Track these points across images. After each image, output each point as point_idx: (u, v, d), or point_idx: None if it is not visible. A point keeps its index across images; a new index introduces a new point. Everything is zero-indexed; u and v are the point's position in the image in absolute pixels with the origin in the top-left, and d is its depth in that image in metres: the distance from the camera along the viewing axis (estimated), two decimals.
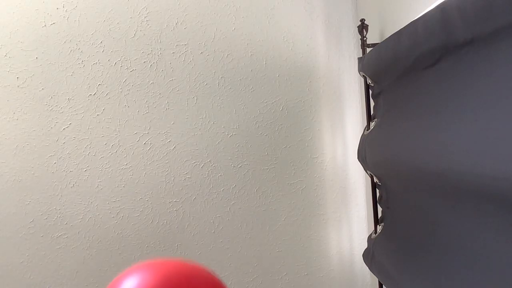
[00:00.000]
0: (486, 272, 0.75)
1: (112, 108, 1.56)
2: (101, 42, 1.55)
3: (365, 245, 1.65)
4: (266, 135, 1.67)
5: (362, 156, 1.40)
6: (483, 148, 0.69)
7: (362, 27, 1.43)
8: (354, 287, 1.76)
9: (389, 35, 1.12)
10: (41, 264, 1.51)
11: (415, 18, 0.96)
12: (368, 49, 1.43)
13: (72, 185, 1.53)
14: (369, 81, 1.40)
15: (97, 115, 1.55)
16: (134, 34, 1.57)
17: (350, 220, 1.76)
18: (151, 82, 1.58)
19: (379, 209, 1.43)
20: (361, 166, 1.50)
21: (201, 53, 1.62)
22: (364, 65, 1.34)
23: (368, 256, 1.40)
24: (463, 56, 0.80)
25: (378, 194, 1.43)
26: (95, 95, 1.55)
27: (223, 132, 1.64)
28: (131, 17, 1.57)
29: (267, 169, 1.68)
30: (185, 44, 1.61)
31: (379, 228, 1.38)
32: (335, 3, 1.72)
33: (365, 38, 1.44)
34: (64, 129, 1.52)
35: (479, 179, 0.71)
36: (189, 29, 1.61)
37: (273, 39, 1.67)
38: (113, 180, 1.55)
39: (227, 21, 1.64)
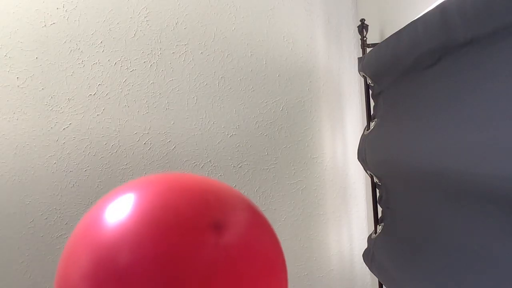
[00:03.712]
0: (486, 272, 0.75)
1: (112, 108, 1.56)
2: (101, 42, 1.55)
3: (365, 245, 1.65)
4: (266, 135, 1.67)
5: (362, 156, 1.40)
6: (483, 148, 0.69)
7: (362, 27, 1.43)
8: (354, 287, 1.76)
9: (389, 35, 1.12)
10: (41, 264, 1.51)
11: (415, 18, 0.96)
12: (368, 49, 1.43)
13: (72, 185, 1.53)
14: (369, 81, 1.39)
15: (97, 115, 1.55)
16: (134, 34, 1.57)
17: (350, 220, 1.76)
18: (151, 82, 1.58)
19: (379, 209, 1.43)
20: (361, 166, 1.49)
21: (201, 53, 1.62)
22: (364, 65, 1.34)
23: (368, 256, 1.40)
24: (463, 56, 0.80)
25: (378, 194, 1.43)
26: (95, 95, 1.55)
27: (223, 132, 1.64)
28: (131, 17, 1.57)
29: (267, 169, 1.68)
30: (185, 44, 1.61)
31: (379, 228, 1.38)
32: (335, 3, 1.72)
33: (365, 38, 1.44)
34: (64, 129, 1.52)
35: (479, 179, 0.71)
36: (189, 29, 1.61)
37: (273, 39, 1.67)
38: (113, 180, 1.55)
39: (227, 21, 1.64)
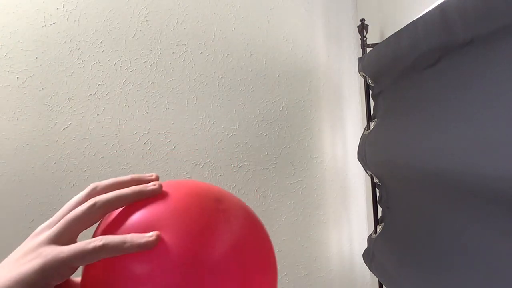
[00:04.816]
0: (487, 272, 0.75)
1: (112, 108, 1.56)
2: (101, 42, 1.55)
3: (365, 245, 1.65)
4: (266, 135, 1.67)
5: (362, 156, 1.40)
6: (483, 148, 0.69)
7: (362, 27, 1.43)
8: (354, 287, 1.76)
9: (389, 35, 1.12)
10: None
11: (415, 18, 0.96)
12: (368, 49, 1.43)
13: (72, 185, 1.53)
14: (369, 81, 1.40)
15: (97, 115, 1.55)
16: (134, 34, 1.57)
17: (350, 220, 1.76)
18: (151, 82, 1.58)
19: (379, 209, 1.43)
20: (361, 166, 1.49)
21: (201, 53, 1.62)
22: (364, 65, 1.34)
23: (368, 256, 1.40)
24: (463, 56, 0.80)
25: (378, 194, 1.43)
26: (95, 95, 1.55)
27: (223, 132, 1.64)
28: (131, 17, 1.57)
29: (267, 169, 1.68)
30: (185, 44, 1.61)
31: (379, 228, 1.38)
32: (335, 3, 1.72)
33: (365, 38, 1.44)
34: (64, 129, 1.52)
35: (479, 179, 0.71)
36: (189, 29, 1.61)
37: (273, 39, 1.67)
38: None
39: (227, 21, 1.64)
